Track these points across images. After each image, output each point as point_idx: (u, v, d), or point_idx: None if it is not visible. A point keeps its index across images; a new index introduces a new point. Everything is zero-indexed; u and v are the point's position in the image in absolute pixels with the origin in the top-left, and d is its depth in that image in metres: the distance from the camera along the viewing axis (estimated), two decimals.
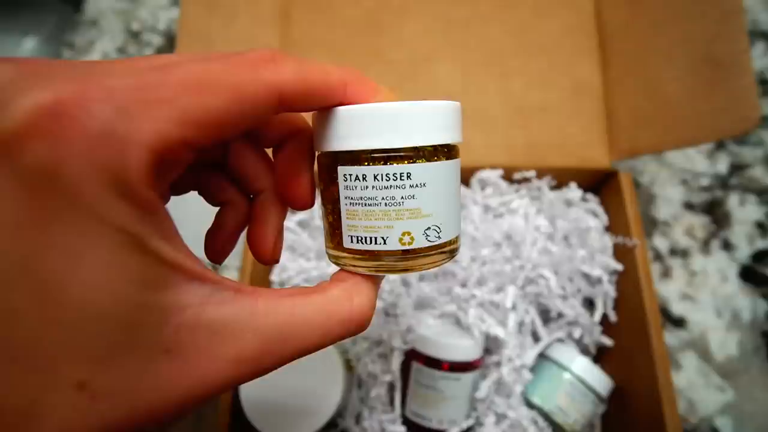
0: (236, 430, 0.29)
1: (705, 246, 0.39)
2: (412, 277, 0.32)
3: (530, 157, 0.33)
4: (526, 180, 0.34)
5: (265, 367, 0.12)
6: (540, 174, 0.33)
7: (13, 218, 0.09)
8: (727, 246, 0.39)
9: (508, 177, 0.34)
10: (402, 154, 0.13)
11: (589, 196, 0.35)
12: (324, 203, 0.15)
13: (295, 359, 0.12)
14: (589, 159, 0.33)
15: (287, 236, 0.37)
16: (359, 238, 0.14)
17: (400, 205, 0.13)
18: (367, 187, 0.13)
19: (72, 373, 0.10)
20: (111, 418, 0.10)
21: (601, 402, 0.31)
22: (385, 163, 0.13)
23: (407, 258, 0.14)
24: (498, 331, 0.29)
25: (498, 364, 0.31)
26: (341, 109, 0.13)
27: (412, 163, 0.13)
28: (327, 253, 0.15)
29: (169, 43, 0.56)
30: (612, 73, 0.33)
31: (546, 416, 0.30)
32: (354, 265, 0.14)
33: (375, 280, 0.14)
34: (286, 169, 0.15)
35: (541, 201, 0.34)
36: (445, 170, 0.14)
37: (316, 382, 0.28)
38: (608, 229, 0.33)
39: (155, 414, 0.10)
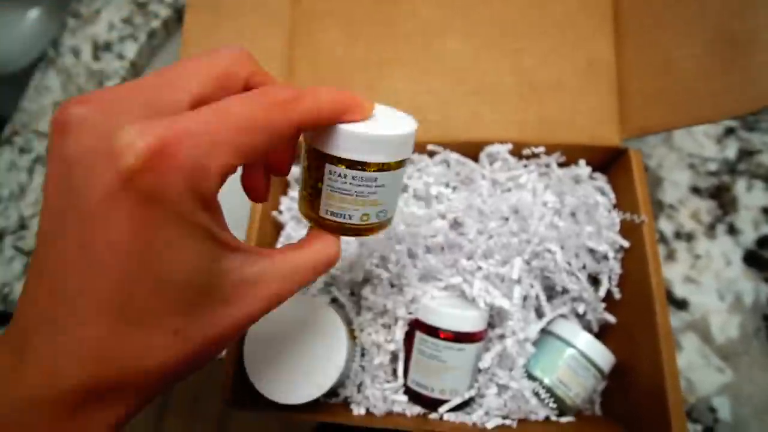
0: (240, 394, 0.29)
1: (710, 230, 0.39)
2: (418, 248, 0.31)
3: (540, 133, 0.33)
4: (535, 156, 0.33)
5: (284, 298, 0.18)
6: (549, 150, 0.33)
7: (134, 225, 0.13)
8: (732, 231, 0.39)
9: (517, 152, 0.34)
10: (373, 165, 0.18)
11: (598, 174, 0.35)
12: (307, 180, 0.20)
13: (300, 289, 0.18)
14: (600, 136, 0.33)
15: (293, 208, 0.37)
16: (333, 212, 0.20)
17: (366, 197, 0.19)
18: (345, 183, 0.19)
19: (171, 324, 0.14)
20: (193, 352, 0.15)
21: (603, 377, 0.31)
22: (362, 170, 0.18)
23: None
24: (503, 303, 0.29)
25: (502, 337, 0.31)
26: (339, 127, 0.18)
27: (378, 171, 0.19)
28: (304, 213, 0.21)
29: (176, 15, 0.55)
30: (626, 49, 0.33)
31: (547, 389, 0.30)
32: (324, 226, 0.20)
33: (338, 236, 0.21)
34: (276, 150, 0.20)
35: (550, 177, 0.34)
36: (398, 175, 0.20)
37: (320, 350, 0.28)
38: (616, 206, 0.33)
39: (220, 344, 0.16)
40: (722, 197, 0.40)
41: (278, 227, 0.38)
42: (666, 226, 0.39)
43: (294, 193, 0.38)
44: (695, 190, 0.40)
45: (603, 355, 0.31)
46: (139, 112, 0.14)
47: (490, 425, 0.28)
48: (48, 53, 0.55)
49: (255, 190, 0.21)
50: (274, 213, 0.37)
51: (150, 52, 0.55)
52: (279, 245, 0.38)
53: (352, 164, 0.18)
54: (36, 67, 0.54)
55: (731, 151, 0.41)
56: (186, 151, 0.13)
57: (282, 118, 0.15)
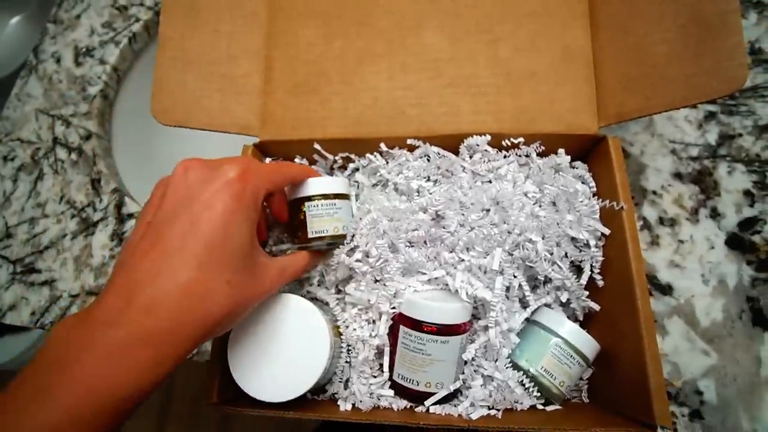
0: (226, 394, 0.29)
1: (693, 215, 0.39)
2: (400, 243, 0.32)
3: (519, 123, 0.33)
4: (515, 146, 0.33)
5: (281, 284, 0.28)
6: (528, 140, 0.33)
7: (226, 210, 0.24)
8: (714, 214, 0.39)
9: (496, 143, 0.34)
10: (332, 196, 0.32)
11: (578, 163, 0.35)
12: (293, 220, 0.33)
13: (294, 279, 0.30)
14: (578, 125, 0.33)
15: None
16: (316, 231, 0.32)
17: (333, 216, 0.32)
18: (318, 208, 0.32)
19: (225, 275, 0.23)
20: (236, 302, 0.24)
21: (588, 365, 0.31)
22: (327, 199, 0.32)
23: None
24: (485, 294, 0.29)
25: (486, 329, 0.31)
26: (307, 180, 0.32)
27: (336, 199, 0.32)
28: (294, 243, 0.34)
29: (157, 18, 0.55)
30: (601, 37, 0.33)
31: (532, 378, 0.31)
32: (310, 247, 0.33)
33: (316, 255, 0.33)
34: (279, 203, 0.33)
35: (530, 167, 0.34)
36: (348, 202, 0.34)
37: (303, 347, 0.28)
38: (596, 194, 0.33)
39: (250, 301, 0.26)
40: (704, 182, 0.40)
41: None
42: (650, 213, 0.40)
43: None
44: (677, 176, 0.40)
45: (587, 343, 0.31)
46: (233, 165, 0.26)
47: (475, 416, 0.28)
48: (29, 60, 0.54)
49: (278, 215, 0.33)
50: None
51: (132, 56, 0.55)
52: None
53: (321, 197, 0.32)
54: (17, 75, 0.54)
55: (712, 135, 0.41)
56: (253, 177, 0.26)
57: (288, 168, 0.30)
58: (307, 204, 0.32)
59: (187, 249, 0.22)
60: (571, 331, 0.31)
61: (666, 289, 0.37)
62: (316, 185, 0.32)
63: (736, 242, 0.38)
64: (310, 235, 0.32)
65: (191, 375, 1.02)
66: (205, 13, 0.36)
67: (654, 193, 0.40)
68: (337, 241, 0.32)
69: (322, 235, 0.32)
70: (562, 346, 0.31)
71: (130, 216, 0.47)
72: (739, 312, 0.36)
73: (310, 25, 0.36)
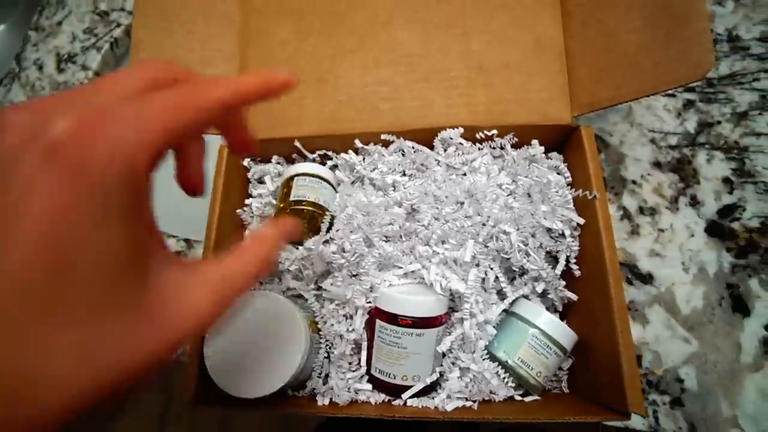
0: (203, 392, 0.29)
1: (673, 203, 0.39)
2: (374, 237, 0.32)
3: (492, 115, 0.33)
4: (489, 138, 0.34)
5: (216, 313, 0.16)
6: (502, 132, 0.33)
7: (52, 198, 0.12)
8: (694, 203, 0.39)
9: (470, 136, 0.34)
10: (318, 177, 0.35)
11: (553, 154, 0.35)
12: (279, 201, 0.35)
13: (237, 296, 0.17)
14: (551, 115, 0.33)
15: (258, 207, 0.37)
16: (298, 196, 0.34)
17: (316, 190, 0.34)
18: (304, 181, 0.34)
19: (75, 334, 0.12)
20: (99, 383, 0.13)
21: (566, 355, 0.31)
22: (313, 177, 0.35)
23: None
24: (459, 286, 0.29)
25: (462, 321, 0.31)
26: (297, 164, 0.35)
27: (322, 180, 0.35)
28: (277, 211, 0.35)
29: None
30: (572, 27, 0.33)
31: (510, 369, 0.31)
32: (288, 212, 0.34)
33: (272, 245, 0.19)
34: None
35: (504, 159, 0.34)
36: (332, 188, 0.36)
37: (279, 343, 0.28)
38: (571, 185, 0.33)
39: (133, 374, 0.13)
40: (683, 170, 0.40)
41: (243, 227, 0.38)
42: (630, 202, 0.40)
43: (258, 191, 0.38)
44: (657, 165, 0.40)
45: (564, 334, 0.31)
46: (69, 109, 0.13)
47: (450, 407, 0.29)
48: (11, 68, 0.55)
49: (190, 181, 0.19)
50: (239, 211, 0.37)
51: (114, 61, 0.55)
52: None
53: (309, 175, 0.35)
54: (0, 83, 0.54)
55: (691, 124, 0.41)
56: (113, 126, 0.13)
57: (205, 96, 0.15)
58: (295, 179, 0.35)
59: None
60: (547, 321, 0.31)
61: (647, 278, 0.37)
62: (305, 166, 0.35)
63: (715, 230, 0.38)
64: (291, 198, 0.34)
65: None
66: (178, 14, 0.36)
67: (634, 182, 0.40)
68: (316, 211, 0.34)
69: (303, 199, 0.33)
70: (539, 337, 0.31)
71: None
72: (719, 299, 0.36)
73: (283, 23, 0.36)
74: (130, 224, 0.13)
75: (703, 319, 0.35)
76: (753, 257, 0.36)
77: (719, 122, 0.40)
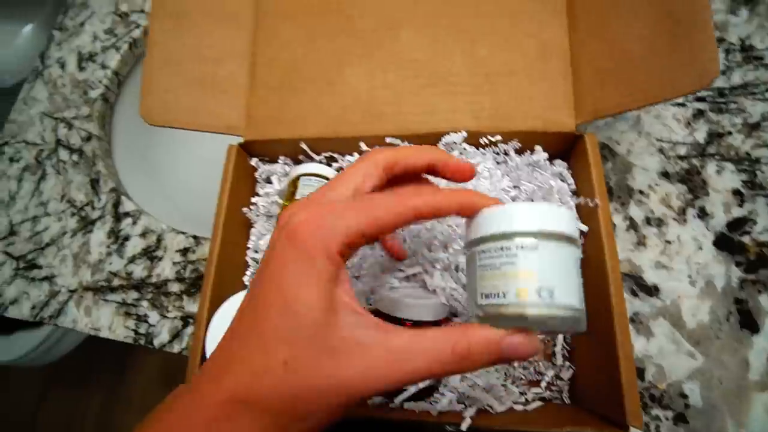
0: None
1: (681, 215, 0.38)
2: None
3: (496, 121, 0.33)
4: (492, 144, 0.34)
5: (393, 379, 0.17)
6: (506, 138, 0.33)
7: (279, 262, 0.18)
8: (703, 214, 0.38)
9: (474, 141, 0.34)
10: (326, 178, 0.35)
11: (557, 161, 0.35)
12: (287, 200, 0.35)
13: (414, 381, 0.17)
14: (556, 122, 0.33)
15: (264, 206, 0.38)
16: (303, 195, 0.31)
17: None
18: (310, 180, 0.36)
19: (282, 352, 0.17)
20: (298, 391, 0.17)
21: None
22: (319, 178, 0.36)
23: None
24: (460, 298, 0.29)
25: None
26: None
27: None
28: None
29: None
30: (578, 35, 0.33)
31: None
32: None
33: (497, 340, 0.18)
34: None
35: (507, 165, 0.34)
36: None
37: None
38: (575, 192, 0.33)
39: (321, 398, 0.17)
40: (692, 181, 0.39)
41: (249, 225, 0.39)
42: (636, 213, 0.39)
43: (265, 190, 0.39)
44: (665, 175, 0.40)
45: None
46: (310, 204, 0.20)
47: (449, 414, 0.29)
48: (36, 66, 0.57)
49: (393, 251, 0.29)
50: (245, 210, 0.38)
51: (133, 61, 0.57)
52: (250, 244, 0.39)
53: (315, 175, 0.36)
54: (25, 79, 0.57)
55: (700, 134, 0.40)
56: (324, 220, 0.19)
57: (405, 205, 0.19)
58: (301, 178, 0.35)
59: (244, 320, 0.19)
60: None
61: (652, 290, 0.37)
62: (311, 166, 0.36)
63: (724, 243, 0.37)
64: (297, 198, 0.35)
65: None
66: (193, 16, 0.37)
67: (641, 192, 0.40)
68: None
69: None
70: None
71: (126, 215, 0.48)
72: (726, 314, 0.35)
73: (293, 26, 0.37)
74: (324, 280, 0.18)
75: (710, 334, 0.35)
76: (763, 272, 0.36)
77: (730, 133, 0.40)
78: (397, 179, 0.23)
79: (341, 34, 0.36)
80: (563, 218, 0.18)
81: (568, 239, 0.18)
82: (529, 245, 0.17)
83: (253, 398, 0.17)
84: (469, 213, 0.20)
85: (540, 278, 0.17)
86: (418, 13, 0.35)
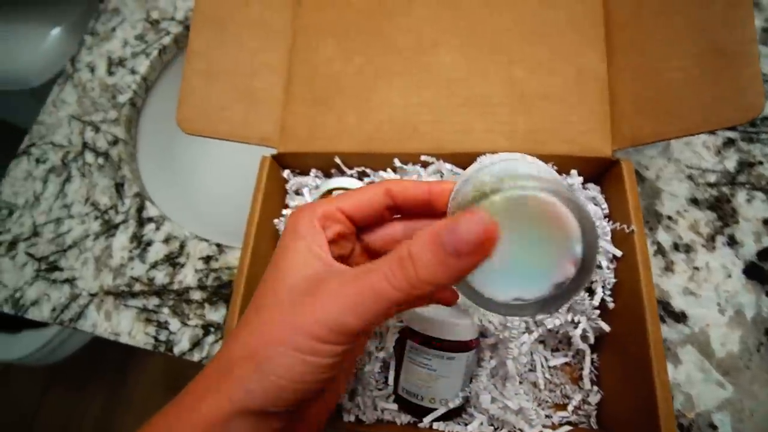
0: None
1: (710, 242, 0.38)
2: None
3: (531, 144, 0.33)
4: None
5: (367, 305, 0.17)
6: (542, 160, 0.33)
7: (282, 243, 0.21)
8: (732, 242, 0.38)
9: None
10: None
11: (590, 185, 0.35)
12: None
13: (381, 308, 0.17)
14: (591, 147, 0.33)
15: None
16: None
17: None
18: None
19: (283, 312, 0.19)
20: (305, 322, 0.18)
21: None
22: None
23: None
24: (494, 321, 0.29)
25: (494, 346, 0.31)
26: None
27: None
28: None
29: (186, 31, 0.57)
30: (616, 62, 0.33)
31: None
32: None
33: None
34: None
35: None
36: None
37: None
38: (608, 217, 0.33)
39: (320, 326, 0.18)
40: (722, 209, 0.39)
41: (278, 237, 0.39)
42: (664, 238, 0.39)
43: (295, 202, 0.39)
44: (694, 202, 0.40)
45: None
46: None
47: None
48: (66, 69, 0.57)
49: (444, 299, 0.26)
50: (276, 221, 0.38)
51: (161, 67, 0.58)
52: None
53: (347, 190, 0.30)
54: (55, 82, 0.57)
55: (731, 162, 0.40)
56: (309, 205, 0.22)
57: (373, 191, 0.23)
58: (333, 192, 0.36)
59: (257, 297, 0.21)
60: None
61: (680, 317, 0.37)
62: (343, 180, 0.37)
63: (754, 272, 0.37)
64: None
65: None
66: (232, 28, 0.38)
67: (669, 218, 0.40)
68: None
69: None
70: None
71: (150, 220, 0.48)
72: (757, 344, 0.35)
73: (330, 42, 0.38)
74: (312, 255, 0.20)
75: (740, 364, 0.34)
76: None
77: (761, 163, 0.40)
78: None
79: (379, 51, 0.37)
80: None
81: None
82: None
83: (266, 351, 0.18)
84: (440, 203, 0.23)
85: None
86: (456, 34, 0.36)
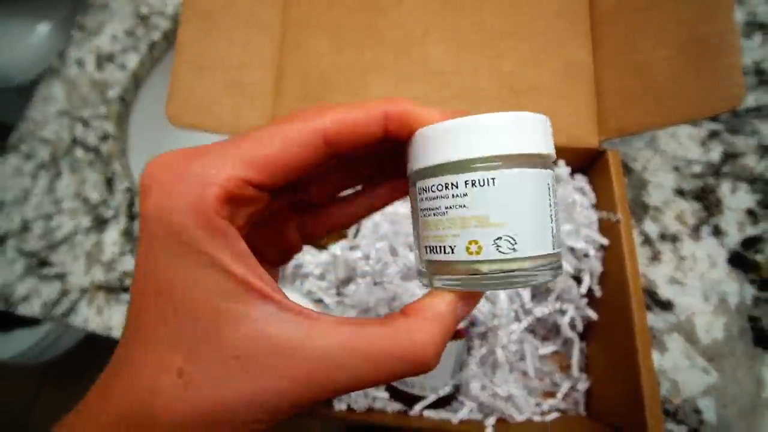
0: None
1: (695, 232, 0.39)
2: (399, 246, 0.32)
3: None
4: None
5: (318, 392, 0.12)
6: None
7: (143, 246, 0.13)
8: (717, 232, 0.39)
9: None
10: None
11: (578, 175, 0.35)
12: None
13: (350, 391, 0.13)
14: (579, 138, 0.33)
15: None
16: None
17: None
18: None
19: (174, 360, 0.12)
20: (203, 408, 0.12)
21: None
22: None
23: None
24: (483, 310, 0.29)
25: (484, 335, 0.32)
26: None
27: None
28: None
29: (177, 27, 0.57)
30: (602, 54, 0.34)
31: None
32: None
33: (449, 320, 0.14)
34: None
35: None
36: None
37: None
38: (596, 206, 0.33)
39: (230, 409, 0.12)
40: (707, 199, 0.40)
41: None
42: (651, 228, 0.40)
43: None
44: (679, 192, 0.40)
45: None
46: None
47: (467, 422, 0.29)
48: (54, 65, 0.57)
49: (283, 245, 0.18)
50: None
51: (151, 63, 0.57)
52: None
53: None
54: (42, 78, 0.57)
55: (715, 153, 0.41)
56: (189, 169, 0.12)
57: (298, 127, 0.13)
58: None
59: (128, 319, 0.13)
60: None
61: (666, 305, 0.37)
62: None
63: (738, 261, 0.38)
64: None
65: None
66: (222, 21, 0.37)
67: (655, 208, 0.40)
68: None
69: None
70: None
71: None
72: (740, 331, 0.36)
73: (321, 36, 0.38)
74: (205, 266, 0.12)
75: (724, 350, 0.35)
76: None
77: (744, 154, 0.40)
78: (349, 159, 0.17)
79: (369, 45, 0.37)
80: (531, 129, 0.14)
81: (537, 159, 0.13)
82: (483, 179, 0.13)
83: (147, 420, 0.12)
84: (404, 132, 0.14)
85: (498, 223, 0.13)
86: (445, 27, 0.36)
